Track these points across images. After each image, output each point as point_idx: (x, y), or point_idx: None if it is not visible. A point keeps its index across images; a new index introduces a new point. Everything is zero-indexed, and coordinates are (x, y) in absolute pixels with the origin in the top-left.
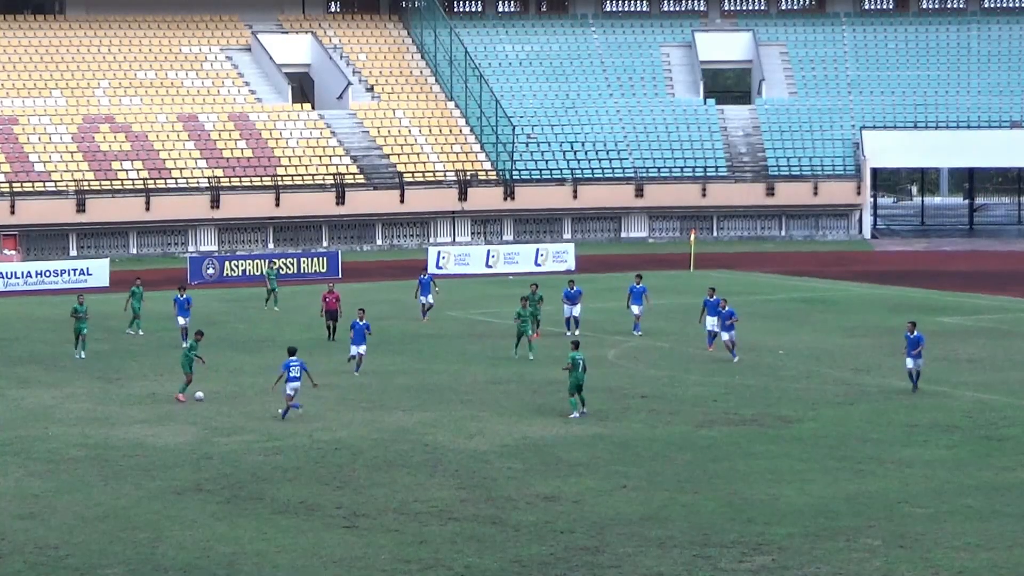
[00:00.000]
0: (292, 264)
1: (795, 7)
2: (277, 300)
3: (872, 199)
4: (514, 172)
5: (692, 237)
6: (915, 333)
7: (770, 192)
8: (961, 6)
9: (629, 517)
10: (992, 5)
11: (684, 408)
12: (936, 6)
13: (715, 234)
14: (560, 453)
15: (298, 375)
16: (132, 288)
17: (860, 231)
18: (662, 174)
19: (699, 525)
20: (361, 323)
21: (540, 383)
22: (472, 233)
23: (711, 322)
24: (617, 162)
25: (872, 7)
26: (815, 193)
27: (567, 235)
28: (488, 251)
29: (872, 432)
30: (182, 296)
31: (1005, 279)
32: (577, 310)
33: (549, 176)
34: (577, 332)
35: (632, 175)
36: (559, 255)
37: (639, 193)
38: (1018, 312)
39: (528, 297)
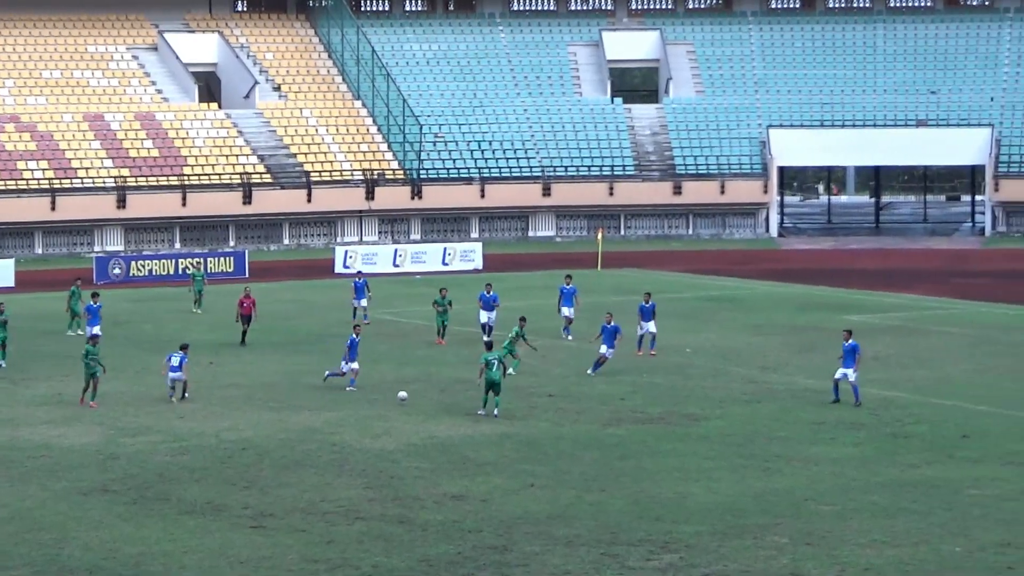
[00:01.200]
0: (199, 264)
1: (702, 6)
2: (201, 303)
3: (779, 198)
4: (421, 171)
5: (599, 236)
6: (850, 341)
7: (677, 191)
8: (867, 5)
9: (536, 516)
10: (897, 4)
11: (591, 407)
12: (842, 5)
13: (622, 233)
14: (467, 452)
15: (178, 364)
16: (71, 288)
17: (767, 230)
18: (569, 173)
19: (606, 523)
20: (357, 338)
21: (447, 382)
22: (379, 232)
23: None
24: (524, 161)
25: (778, 6)
26: (722, 192)
27: (474, 234)
28: (395, 250)
29: (779, 430)
30: (95, 304)
31: (911, 277)
32: (493, 316)
33: (456, 175)
34: (488, 338)
35: (539, 174)
36: (467, 254)
37: (546, 192)
38: (923, 310)
39: (438, 301)
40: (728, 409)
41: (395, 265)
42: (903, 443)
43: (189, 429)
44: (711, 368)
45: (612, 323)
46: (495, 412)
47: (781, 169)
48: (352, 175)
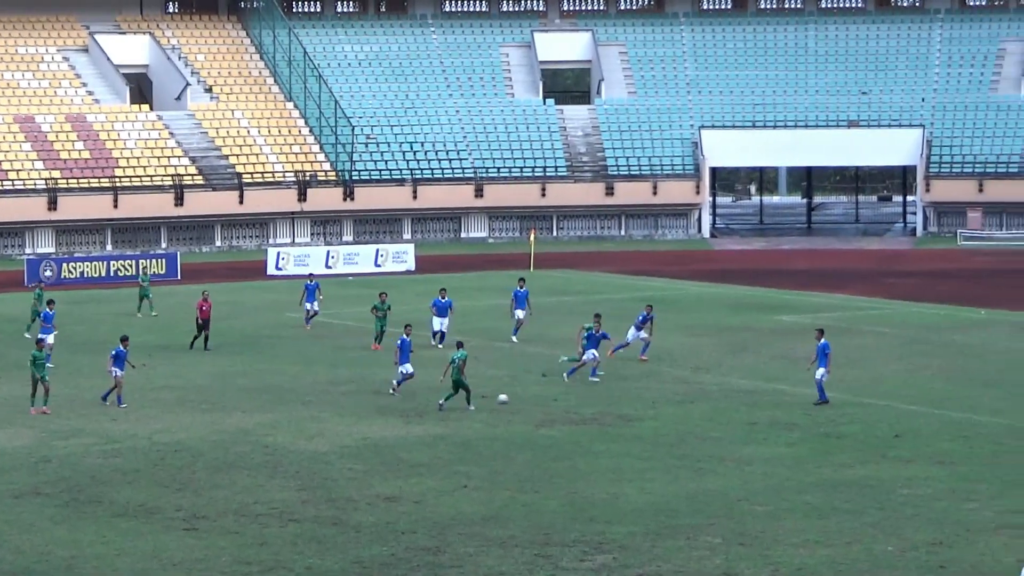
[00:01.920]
0: (131, 266)
1: (634, 7)
2: (152, 305)
3: (711, 198)
4: (353, 172)
5: (532, 237)
6: (822, 341)
7: (609, 192)
8: (798, 6)
9: (470, 517)
10: (829, 6)
11: (525, 408)
12: (774, 6)
13: (555, 234)
14: (401, 454)
15: (119, 358)
16: (35, 291)
17: (699, 230)
18: (502, 174)
19: (540, 524)
20: (408, 339)
21: (381, 384)
22: (312, 234)
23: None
24: (457, 162)
25: (710, 7)
26: (654, 193)
27: (407, 235)
28: (328, 252)
29: (712, 430)
30: (51, 311)
31: (843, 277)
32: (446, 323)
33: (389, 176)
34: (440, 346)
35: (472, 175)
36: (399, 255)
37: (479, 193)
38: (855, 310)
39: (378, 306)
40: (661, 410)
41: (327, 267)
42: (836, 443)
43: (122, 431)
44: (644, 369)
45: (600, 330)
46: (469, 407)
47: (713, 170)
48: (284, 176)
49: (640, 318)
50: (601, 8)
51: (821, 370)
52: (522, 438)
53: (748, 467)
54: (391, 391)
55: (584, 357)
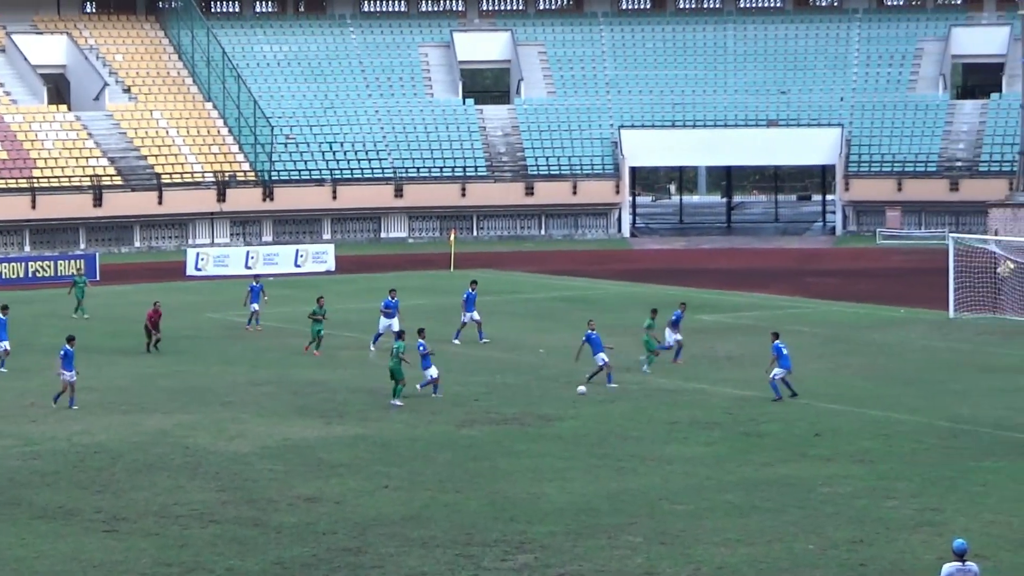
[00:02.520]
0: (49, 267)
1: (553, 7)
2: (83, 308)
3: (631, 198)
4: (273, 173)
5: (452, 237)
6: (776, 342)
7: (529, 191)
8: (717, 6)
9: (391, 517)
10: (747, 5)
11: (445, 408)
12: (692, 6)
13: (475, 234)
14: (321, 454)
15: (68, 359)
16: None
17: (619, 230)
18: (421, 174)
19: (461, 524)
20: (423, 342)
21: (301, 384)
22: (231, 234)
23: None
24: (376, 162)
25: (629, 7)
26: (574, 192)
27: (326, 236)
28: (247, 252)
29: (633, 430)
30: (4, 316)
31: (763, 276)
32: (395, 323)
33: (308, 177)
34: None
35: (391, 175)
36: (319, 256)
37: (398, 193)
38: (775, 309)
39: (316, 311)
40: (582, 409)
41: (247, 267)
42: (756, 442)
43: (41, 433)
44: (565, 368)
45: (594, 331)
46: (396, 402)
47: (633, 169)
48: (203, 177)
49: (674, 317)
50: (520, 8)
51: (778, 370)
52: (443, 438)
53: (669, 466)
54: (432, 393)
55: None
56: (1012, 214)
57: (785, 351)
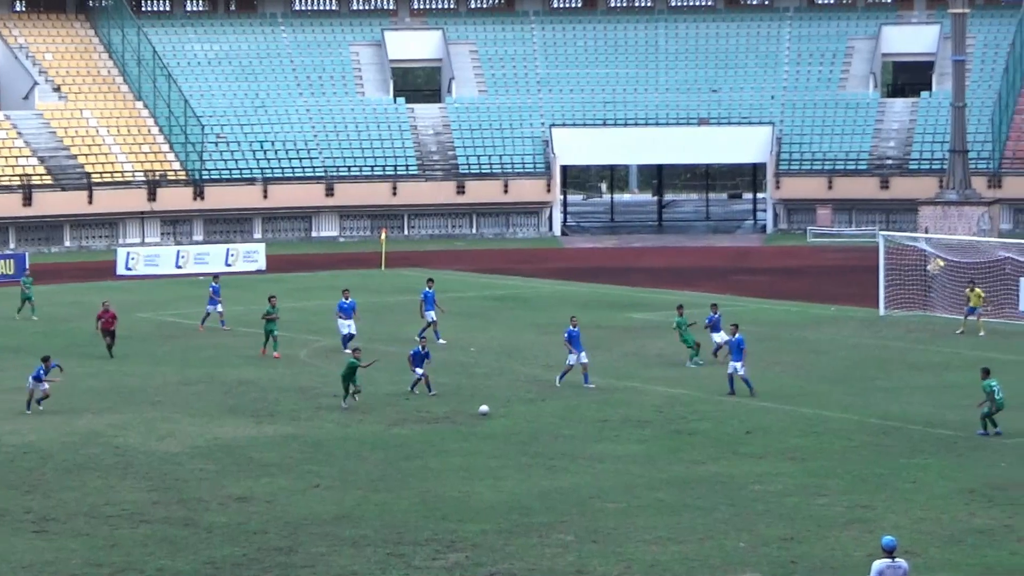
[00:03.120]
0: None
1: (484, 6)
2: (34, 308)
3: (562, 196)
4: (204, 172)
5: (383, 236)
6: (737, 335)
7: (460, 190)
8: (648, 5)
9: (322, 517)
10: (678, 4)
11: (377, 407)
12: (623, 5)
13: (406, 232)
14: (252, 454)
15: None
16: None
17: (550, 228)
18: (352, 173)
19: (392, 523)
20: (424, 351)
21: (231, 384)
22: (162, 234)
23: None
24: (307, 161)
25: (560, 6)
26: (505, 191)
27: (257, 235)
28: (178, 252)
29: (564, 428)
30: None
31: (694, 275)
32: (352, 324)
33: (239, 176)
34: (348, 350)
35: (323, 174)
36: (250, 255)
37: (330, 192)
38: (706, 307)
39: (269, 311)
40: (513, 408)
41: (178, 266)
42: (687, 440)
43: None
44: (496, 367)
45: (578, 327)
46: (342, 406)
47: (564, 168)
48: (134, 176)
49: (707, 320)
50: (451, 7)
51: (738, 364)
52: (374, 437)
53: (600, 464)
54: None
55: (570, 362)
56: (942, 212)
57: (743, 347)
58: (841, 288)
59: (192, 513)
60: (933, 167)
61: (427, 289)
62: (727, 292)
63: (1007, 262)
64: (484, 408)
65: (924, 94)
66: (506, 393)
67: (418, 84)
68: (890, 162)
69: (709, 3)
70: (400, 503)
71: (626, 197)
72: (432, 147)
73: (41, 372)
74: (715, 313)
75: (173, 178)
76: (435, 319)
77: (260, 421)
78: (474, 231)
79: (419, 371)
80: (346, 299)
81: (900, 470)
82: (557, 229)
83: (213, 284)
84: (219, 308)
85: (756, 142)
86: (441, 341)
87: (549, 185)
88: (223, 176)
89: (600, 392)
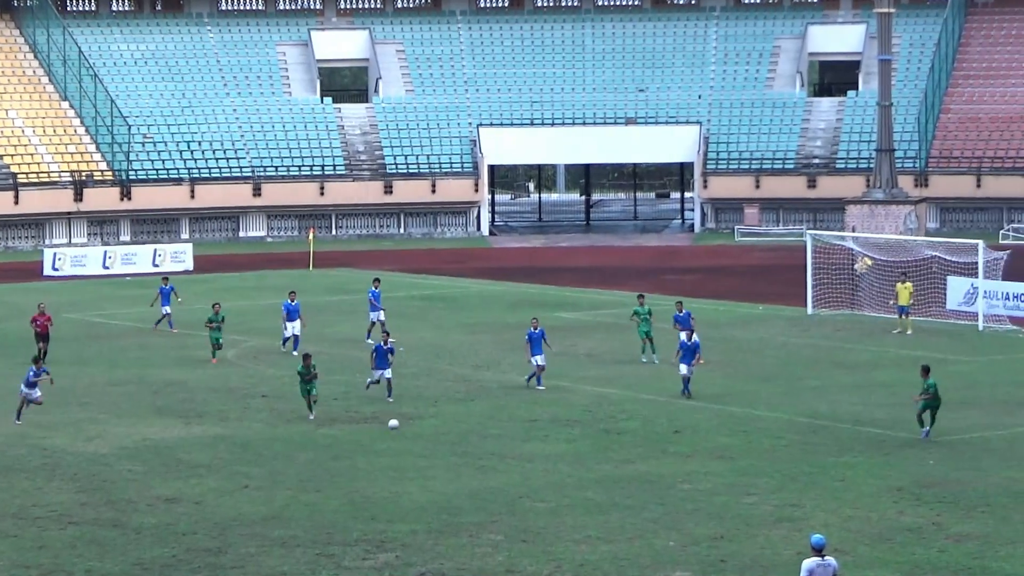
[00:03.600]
0: None
1: (411, 5)
2: None
3: (489, 196)
4: (130, 172)
5: (311, 236)
6: (692, 340)
7: (388, 190)
8: (575, 4)
9: (251, 517)
10: (605, 3)
11: (305, 407)
12: (550, 4)
13: (334, 232)
14: (181, 455)
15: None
16: None
17: (478, 228)
18: (280, 173)
19: (322, 524)
20: (385, 347)
21: (160, 384)
22: (89, 234)
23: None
24: (235, 161)
25: (487, 5)
26: (433, 191)
27: (185, 235)
28: (105, 252)
29: (493, 428)
30: None
31: (622, 274)
32: (298, 327)
33: (166, 176)
34: (295, 353)
35: (250, 174)
36: (177, 255)
37: (257, 192)
38: (633, 306)
39: (212, 318)
40: (442, 408)
41: (105, 267)
42: (616, 439)
43: None
44: (424, 367)
45: (539, 329)
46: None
47: (492, 167)
48: (60, 177)
49: (674, 319)
50: (378, 7)
51: (684, 364)
52: (303, 438)
53: (529, 464)
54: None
55: (537, 363)
56: (869, 211)
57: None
58: (769, 287)
59: (121, 514)
60: (860, 166)
61: (373, 288)
62: (655, 291)
63: (934, 261)
64: (393, 423)
65: (851, 93)
66: (435, 393)
67: (345, 84)
68: (817, 161)
69: (636, 3)
70: (329, 503)
71: (554, 197)
72: (359, 147)
73: (31, 375)
74: (679, 311)
75: (100, 178)
76: (383, 319)
77: (189, 422)
78: (402, 231)
79: (386, 373)
80: (292, 301)
81: (829, 468)
82: (485, 229)
83: (163, 287)
84: (168, 309)
85: (683, 141)
86: (369, 341)
87: (477, 185)
88: (150, 176)
89: (529, 392)
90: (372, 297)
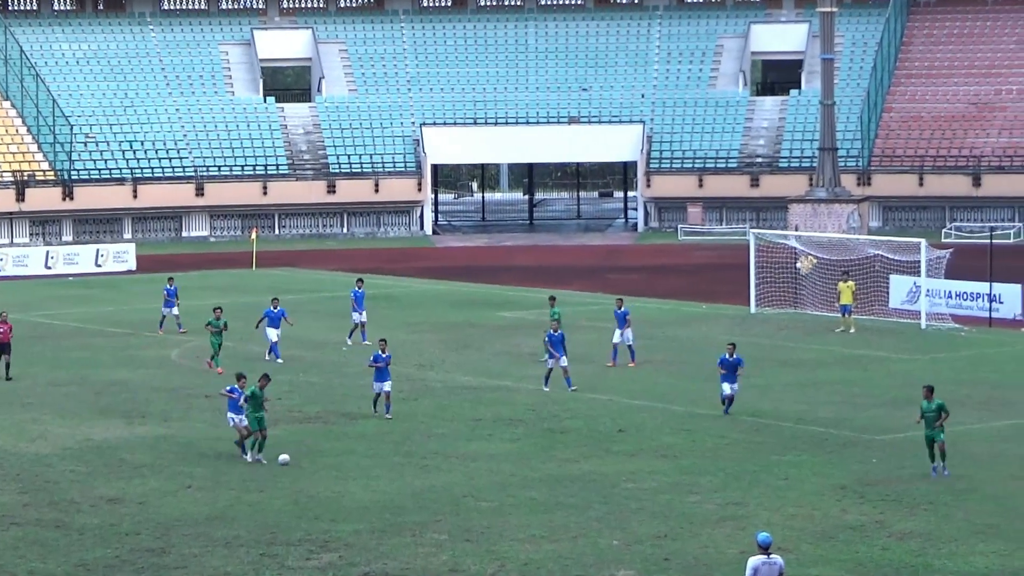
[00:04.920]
0: None
1: (353, 5)
2: None
3: (433, 195)
4: (73, 172)
5: (254, 235)
6: (734, 356)
7: (331, 190)
8: (518, 4)
9: (195, 517)
10: (548, 3)
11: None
12: (493, 4)
13: (277, 232)
14: (124, 455)
15: None
16: None
17: (421, 227)
18: (223, 173)
19: (265, 524)
20: (384, 355)
21: (102, 384)
22: (30, 234)
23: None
24: (177, 161)
25: (430, 4)
26: (376, 190)
27: (127, 235)
28: (47, 252)
29: (437, 427)
30: None
31: (565, 273)
32: (279, 333)
33: (108, 176)
34: (280, 360)
35: (192, 174)
36: (120, 255)
37: (200, 192)
38: (578, 306)
39: (212, 323)
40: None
41: (47, 267)
42: (560, 438)
43: None
44: (365, 366)
45: (559, 332)
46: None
47: (435, 167)
48: (1, 176)
49: (615, 314)
50: (321, 6)
51: (731, 386)
52: None
53: (473, 463)
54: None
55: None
56: (812, 210)
57: (740, 367)
58: (712, 286)
59: (63, 515)
60: (803, 165)
61: (356, 289)
62: (598, 290)
63: (877, 259)
64: (284, 457)
65: (793, 92)
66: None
67: (288, 83)
68: (760, 160)
69: (579, 2)
70: (273, 503)
71: (497, 196)
72: (302, 146)
73: None
74: (619, 307)
75: (41, 178)
76: (364, 320)
77: (131, 422)
78: (345, 231)
79: (385, 387)
80: (274, 308)
81: (772, 467)
82: (428, 228)
83: (168, 287)
84: (175, 311)
85: (626, 141)
86: (349, 342)
87: (420, 184)
88: (92, 176)
89: (472, 391)
90: (355, 298)
